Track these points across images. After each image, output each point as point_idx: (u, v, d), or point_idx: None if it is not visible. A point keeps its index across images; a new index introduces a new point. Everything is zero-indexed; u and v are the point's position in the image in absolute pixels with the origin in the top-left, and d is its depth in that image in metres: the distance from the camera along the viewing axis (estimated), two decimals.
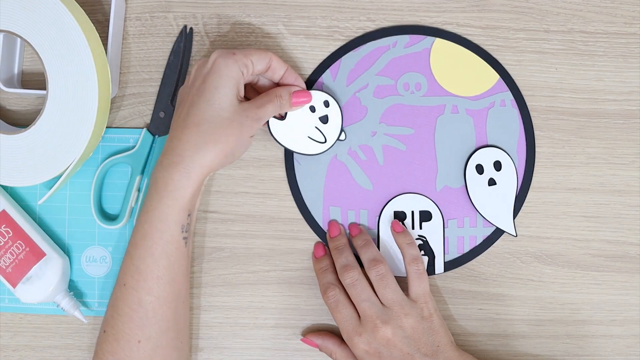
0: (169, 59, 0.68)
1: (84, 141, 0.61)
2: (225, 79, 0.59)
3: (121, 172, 0.68)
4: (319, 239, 0.67)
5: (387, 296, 0.62)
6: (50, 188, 0.63)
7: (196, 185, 0.59)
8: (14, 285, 0.64)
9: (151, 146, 0.67)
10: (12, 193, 0.68)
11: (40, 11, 0.60)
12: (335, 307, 0.63)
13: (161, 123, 0.67)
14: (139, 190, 0.67)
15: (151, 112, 0.68)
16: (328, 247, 0.67)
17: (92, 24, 0.62)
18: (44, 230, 0.67)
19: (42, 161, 0.62)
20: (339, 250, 0.65)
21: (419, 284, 0.63)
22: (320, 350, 0.66)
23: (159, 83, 0.68)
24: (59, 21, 0.60)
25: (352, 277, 0.62)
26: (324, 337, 0.66)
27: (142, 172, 0.67)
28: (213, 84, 0.59)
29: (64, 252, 0.67)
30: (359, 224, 0.67)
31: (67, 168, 0.62)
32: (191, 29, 0.68)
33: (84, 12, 0.62)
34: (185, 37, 0.67)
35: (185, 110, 0.60)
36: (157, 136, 0.67)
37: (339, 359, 0.65)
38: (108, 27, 0.66)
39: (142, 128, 0.67)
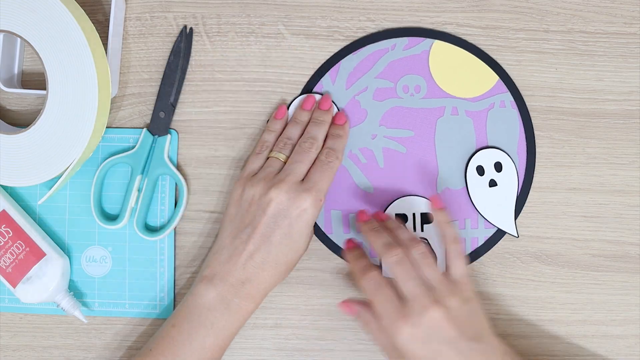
0: (168, 58, 0.67)
1: (84, 141, 0.61)
2: (310, 228, 0.62)
3: (121, 172, 0.68)
4: (318, 240, 0.67)
5: (432, 275, 0.59)
6: (50, 188, 0.63)
7: (249, 316, 0.63)
8: (14, 286, 0.64)
9: (151, 146, 0.67)
10: (12, 193, 0.68)
11: (40, 11, 0.60)
12: (376, 289, 0.59)
13: (161, 123, 0.67)
14: (139, 190, 0.67)
15: (151, 112, 0.68)
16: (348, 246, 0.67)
17: (92, 24, 0.62)
18: (44, 230, 0.67)
19: (42, 161, 0.62)
20: (376, 231, 0.62)
21: (460, 265, 0.60)
22: (358, 318, 0.63)
23: (159, 82, 0.68)
24: (60, 21, 0.60)
25: (398, 255, 0.59)
26: (364, 306, 0.62)
27: (142, 172, 0.67)
28: (298, 233, 0.61)
29: (64, 252, 0.67)
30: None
31: (67, 168, 0.62)
32: (191, 29, 0.68)
33: (84, 12, 0.62)
34: (185, 37, 0.67)
35: (261, 251, 0.61)
36: (157, 136, 0.67)
37: (374, 331, 0.61)
38: (108, 27, 0.66)
39: (142, 128, 0.67)
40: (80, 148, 0.61)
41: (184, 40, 0.68)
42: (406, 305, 0.58)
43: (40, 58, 0.60)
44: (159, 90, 0.67)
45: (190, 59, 0.68)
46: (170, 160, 0.67)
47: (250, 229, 0.61)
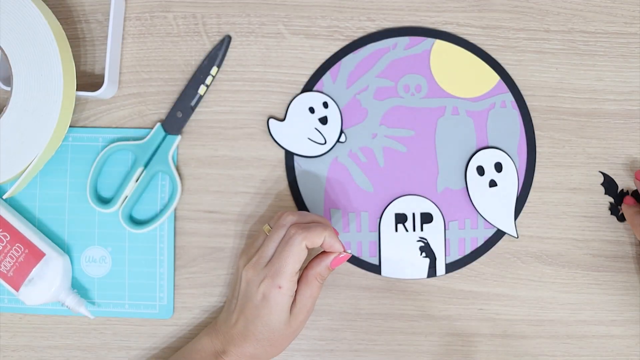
0: (202, 62, 0.68)
1: (45, 138, 0.61)
2: (276, 313, 0.60)
3: (123, 159, 0.68)
4: None
5: None
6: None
7: None
8: (17, 289, 0.64)
9: (160, 142, 0.67)
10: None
11: (5, 6, 0.60)
12: None
13: (176, 122, 0.67)
14: (137, 181, 0.66)
15: (150, 111, 0.68)
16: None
17: (58, 21, 0.63)
18: (43, 232, 0.67)
19: (4, 158, 0.61)
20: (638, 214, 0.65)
21: None
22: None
23: (159, 82, 0.68)
24: (26, 17, 0.60)
25: None
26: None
27: (146, 166, 0.66)
28: (266, 316, 0.59)
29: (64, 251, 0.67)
30: None
31: (27, 166, 0.62)
32: (230, 38, 0.68)
33: (49, 10, 0.63)
34: (225, 46, 0.68)
35: (239, 321, 0.61)
36: (168, 134, 0.67)
37: None
38: (108, 26, 0.66)
39: (150, 127, 0.67)
40: (42, 146, 0.61)
41: (223, 49, 0.68)
42: None
43: (5, 54, 0.61)
44: (184, 90, 0.67)
45: (191, 59, 0.68)
46: (173, 160, 0.67)
47: (233, 309, 0.62)
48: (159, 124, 0.67)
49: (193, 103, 0.67)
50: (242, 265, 0.61)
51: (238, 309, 0.61)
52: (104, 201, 0.67)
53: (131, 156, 0.67)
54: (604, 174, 0.67)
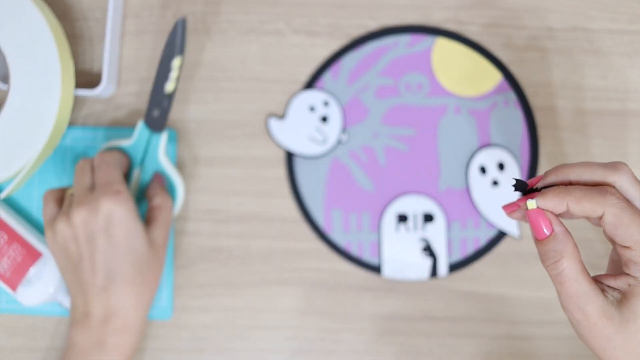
0: (163, 53, 0.63)
1: (43, 137, 0.61)
2: (130, 223, 0.56)
3: None
4: (318, 240, 0.67)
5: None
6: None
7: (140, 338, 0.59)
8: (15, 289, 0.64)
9: (148, 142, 0.65)
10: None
11: (3, 4, 0.60)
12: None
13: (156, 120, 0.64)
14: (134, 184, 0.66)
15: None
16: None
17: (56, 20, 0.62)
18: (41, 231, 0.66)
19: (0, 157, 0.61)
20: None
21: None
22: (551, 241, 0.47)
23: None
24: (24, 14, 0.60)
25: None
26: (564, 229, 0.47)
27: (140, 165, 0.65)
28: (122, 234, 0.55)
29: None
30: None
31: (24, 166, 0.61)
32: (184, 21, 0.63)
33: (47, 7, 0.62)
34: (181, 31, 0.62)
35: (99, 268, 0.55)
36: (152, 132, 0.65)
37: (569, 271, 0.46)
38: (106, 24, 0.65)
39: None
40: (39, 144, 0.61)
41: (179, 35, 0.63)
42: None
43: (2, 52, 0.60)
44: (153, 86, 0.64)
45: (188, 56, 0.68)
46: (171, 158, 0.66)
47: (78, 261, 0.57)
48: (141, 124, 0.64)
49: (166, 104, 0.64)
50: (64, 223, 0.56)
51: (87, 259, 0.55)
52: None
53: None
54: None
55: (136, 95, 0.68)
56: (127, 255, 0.55)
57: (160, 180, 0.64)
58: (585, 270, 0.47)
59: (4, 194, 0.62)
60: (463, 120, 0.67)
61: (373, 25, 0.68)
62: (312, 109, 0.67)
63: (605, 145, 0.67)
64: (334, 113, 0.67)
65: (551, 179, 0.48)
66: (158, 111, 0.64)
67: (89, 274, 0.56)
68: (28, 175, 0.62)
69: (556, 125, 0.67)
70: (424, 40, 0.67)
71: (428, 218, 0.67)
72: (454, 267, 0.67)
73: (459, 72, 0.67)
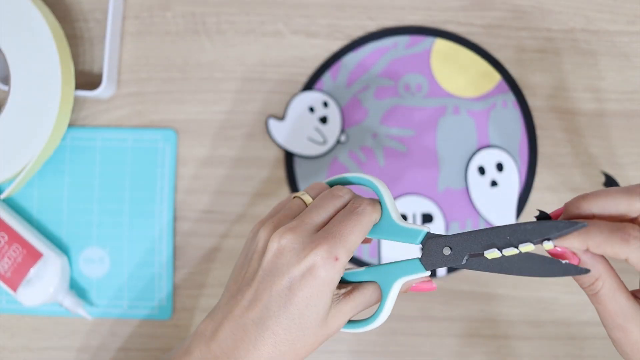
0: (516, 225, 0.45)
1: (44, 138, 0.61)
2: (320, 295, 0.45)
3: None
4: None
5: None
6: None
7: None
8: (15, 290, 0.64)
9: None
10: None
11: (3, 5, 0.60)
12: None
13: (436, 256, 0.48)
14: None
15: (149, 111, 0.67)
16: None
17: (56, 21, 0.63)
18: (41, 231, 0.67)
19: (1, 158, 0.61)
20: None
21: None
22: (579, 264, 0.44)
23: (158, 82, 0.68)
24: (24, 15, 0.60)
25: None
26: (591, 254, 0.44)
27: None
28: (303, 299, 0.45)
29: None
30: None
31: (25, 166, 0.62)
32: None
33: (47, 8, 0.62)
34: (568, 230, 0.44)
35: (257, 306, 0.45)
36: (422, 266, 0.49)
37: (606, 290, 0.44)
38: (106, 25, 0.66)
39: (143, 130, 0.67)
40: (40, 145, 0.61)
41: None
42: None
43: (3, 52, 0.61)
44: (473, 233, 0.47)
45: (188, 57, 0.68)
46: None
47: (246, 287, 0.46)
48: (424, 233, 0.48)
49: (465, 260, 0.47)
50: (266, 231, 0.47)
51: (255, 288, 0.46)
52: None
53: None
54: (606, 174, 0.67)
55: (136, 95, 0.68)
56: (290, 319, 0.45)
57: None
58: (623, 287, 0.44)
59: (4, 194, 0.63)
60: (462, 121, 0.67)
61: (372, 26, 0.68)
62: (311, 109, 0.67)
63: (603, 145, 0.67)
64: (334, 114, 0.67)
65: (573, 211, 0.44)
66: (450, 250, 0.47)
67: (244, 300, 0.46)
68: (28, 175, 0.62)
69: (555, 126, 0.67)
70: (423, 41, 0.67)
71: (427, 218, 0.67)
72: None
73: (458, 73, 0.67)
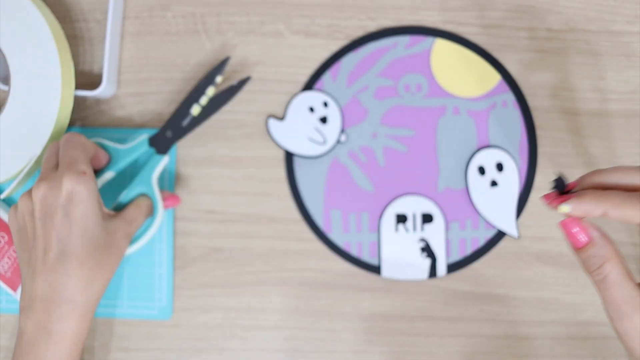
0: (199, 82, 0.65)
1: (44, 138, 0.61)
2: (90, 204, 0.53)
3: None
4: (318, 240, 0.67)
5: None
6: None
7: (89, 325, 0.55)
8: (15, 289, 0.64)
9: (147, 159, 0.65)
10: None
11: (3, 5, 0.60)
12: None
13: (165, 141, 0.64)
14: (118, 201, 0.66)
15: (150, 111, 0.67)
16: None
17: (56, 21, 0.63)
18: None
19: (2, 158, 0.61)
20: None
21: None
22: (590, 247, 0.45)
23: (158, 82, 0.68)
24: (24, 15, 0.60)
25: None
26: (602, 233, 0.45)
27: (120, 172, 0.65)
28: (80, 214, 0.53)
29: None
30: None
31: (25, 166, 0.62)
32: (228, 58, 0.65)
33: (47, 8, 0.62)
34: (224, 67, 0.65)
35: (52, 245, 0.53)
36: (154, 150, 0.65)
37: (614, 275, 0.44)
38: (106, 25, 0.66)
39: (142, 131, 0.67)
40: (40, 145, 0.61)
41: (222, 69, 0.65)
42: None
43: (3, 52, 0.61)
44: (177, 108, 0.65)
45: (188, 57, 0.68)
46: (158, 182, 0.65)
47: (32, 238, 0.54)
48: (145, 137, 0.65)
49: (185, 123, 0.65)
50: (22, 200, 0.55)
51: (42, 235, 0.53)
52: None
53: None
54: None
55: (136, 96, 0.68)
56: (82, 236, 0.53)
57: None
58: (630, 274, 0.44)
59: (4, 194, 0.63)
60: (462, 121, 0.67)
61: (372, 26, 0.68)
62: (311, 109, 0.67)
63: (603, 146, 0.67)
64: (333, 114, 0.67)
65: (587, 182, 0.46)
66: (171, 133, 0.65)
67: (40, 252, 0.53)
68: (28, 175, 0.62)
69: (555, 126, 0.67)
70: (423, 41, 0.67)
71: (427, 218, 0.67)
72: (453, 267, 0.67)
73: (458, 73, 0.67)
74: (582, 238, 0.45)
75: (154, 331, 0.67)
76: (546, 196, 0.48)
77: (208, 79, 0.65)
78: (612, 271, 0.44)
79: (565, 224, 0.45)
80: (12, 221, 0.56)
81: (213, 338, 0.67)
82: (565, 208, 0.45)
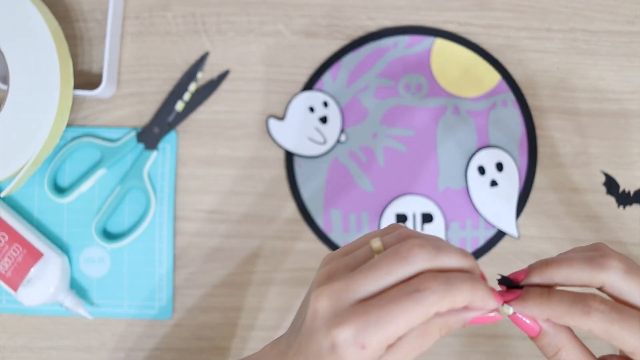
0: (181, 78, 0.67)
1: (42, 137, 0.61)
2: None
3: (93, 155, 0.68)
4: (318, 240, 0.67)
5: None
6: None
7: None
8: (15, 289, 0.64)
9: (138, 156, 0.67)
10: (5, 197, 0.67)
11: (2, 5, 0.60)
12: None
13: (152, 137, 0.67)
14: (112, 196, 0.67)
15: (149, 111, 0.67)
16: None
17: (56, 20, 0.63)
18: (41, 231, 0.67)
19: (0, 156, 0.62)
20: None
21: None
22: (543, 337, 0.45)
23: (158, 82, 0.68)
24: (23, 14, 0.60)
25: None
26: (551, 323, 0.44)
27: (109, 167, 0.67)
28: None
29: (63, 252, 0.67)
30: None
31: (24, 165, 0.62)
32: (207, 54, 0.68)
33: (47, 8, 0.63)
34: (203, 63, 0.67)
35: None
36: (143, 146, 0.67)
37: (568, 357, 0.45)
38: (106, 25, 0.66)
39: (134, 129, 0.67)
40: (39, 144, 0.61)
41: (202, 65, 0.68)
42: None
43: (2, 52, 0.61)
44: (161, 106, 0.67)
45: (188, 57, 0.68)
46: (149, 176, 0.67)
47: (294, 337, 0.43)
48: (133, 134, 0.67)
49: (170, 119, 0.67)
50: (319, 279, 0.42)
51: (296, 347, 0.42)
52: (60, 191, 0.67)
53: (98, 155, 0.67)
54: (606, 174, 0.67)
55: (136, 96, 0.68)
56: None
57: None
58: (589, 354, 0.45)
59: (4, 193, 0.63)
60: (462, 121, 0.67)
61: (372, 26, 0.68)
62: (311, 109, 0.67)
63: (603, 146, 0.67)
64: (334, 114, 0.67)
65: (535, 280, 0.44)
66: (158, 129, 0.67)
67: (292, 351, 0.43)
68: (28, 174, 0.62)
69: (554, 126, 0.67)
70: (423, 41, 0.67)
71: (427, 218, 0.67)
72: None
73: (458, 72, 0.67)
74: (534, 329, 0.45)
75: (154, 331, 0.67)
76: (494, 292, 0.43)
77: (189, 76, 0.67)
78: (567, 357, 0.45)
79: (515, 318, 0.44)
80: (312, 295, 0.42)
81: (213, 338, 0.67)
82: (508, 311, 0.44)
